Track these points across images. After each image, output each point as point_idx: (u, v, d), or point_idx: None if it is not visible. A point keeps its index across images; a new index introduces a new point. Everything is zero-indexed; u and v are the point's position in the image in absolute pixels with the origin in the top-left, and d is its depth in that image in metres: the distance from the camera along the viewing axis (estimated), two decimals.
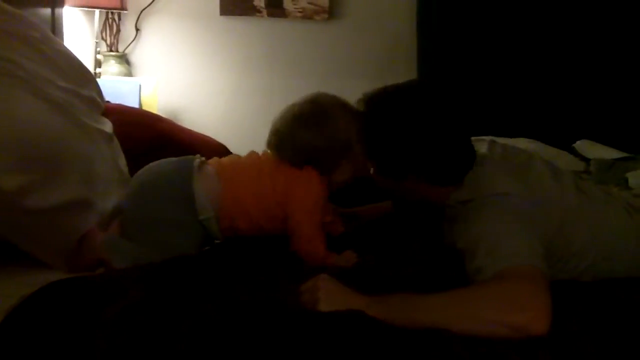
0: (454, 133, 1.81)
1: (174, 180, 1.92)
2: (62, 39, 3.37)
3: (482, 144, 1.94)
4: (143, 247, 1.84)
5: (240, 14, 3.95)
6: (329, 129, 1.88)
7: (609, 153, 3.13)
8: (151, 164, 2.01)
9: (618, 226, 1.85)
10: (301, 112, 1.91)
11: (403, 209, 2.16)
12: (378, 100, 1.85)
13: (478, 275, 1.54)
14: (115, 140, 2.26)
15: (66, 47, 2.32)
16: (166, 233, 1.86)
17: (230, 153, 2.88)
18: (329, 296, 1.46)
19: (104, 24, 3.87)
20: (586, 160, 3.14)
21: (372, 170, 1.92)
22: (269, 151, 1.97)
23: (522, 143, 3.16)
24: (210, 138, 2.98)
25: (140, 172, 2.00)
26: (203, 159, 1.99)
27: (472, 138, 1.89)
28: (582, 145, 3.27)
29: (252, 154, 2.05)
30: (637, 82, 3.45)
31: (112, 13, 3.85)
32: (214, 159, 2.02)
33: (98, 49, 3.80)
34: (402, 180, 1.83)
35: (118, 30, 3.91)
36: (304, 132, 1.88)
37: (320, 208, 1.92)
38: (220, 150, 2.87)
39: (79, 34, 3.80)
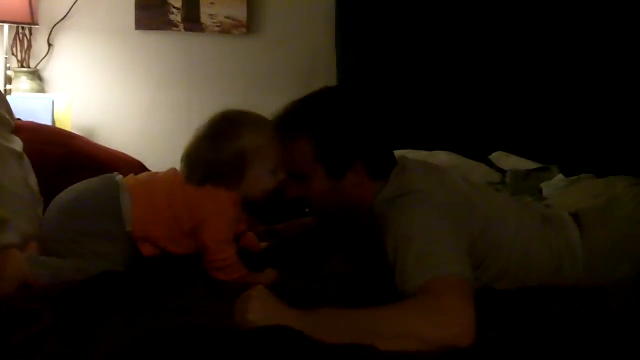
0: (386, 120, 1.96)
1: (101, 194, 1.94)
2: None
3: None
4: (71, 261, 1.84)
5: (157, 29, 3.91)
6: (223, 143, 1.89)
7: (524, 164, 3.20)
8: (73, 185, 2.02)
9: (533, 235, 1.90)
10: (201, 131, 1.94)
11: (325, 221, 2.14)
12: (312, 101, 1.92)
13: (407, 280, 1.55)
14: (26, 159, 2.20)
15: None
16: (96, 244, 1.88)
17: (147, 170, 2.84)
18: (259, 306, 1.44)
19: (14, 38, 3.76)
20: (502, 171, 3.22)
21: (307, 188, 1.89)
22: None
23: (439, 156, 3.21)
24: (127, 155, 2.94)
25: (62, 192, 2.00)
26: (121, 176, 2.00)
27: None
28: (497, 157, 3.34)
29: (170, 170, 2.04)
30: (551, 94, 3.53)
31: (22, 28, 3.74)
32: (130, 176, 2.01)
33: (8, 65, 3.69)
34: (344, 175, 1.84)
35: (29, 46, 3.81)
36: (200, 148, 1.91)
37: (228, 225, 1.93)
38: (137, 167, 2.83)
39: None
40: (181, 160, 1.95)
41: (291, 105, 1.92)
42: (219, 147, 1.89)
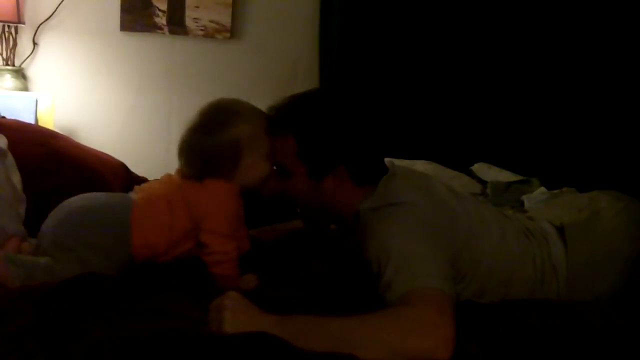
0: (377, 128, 1.93)
1: (114, 210, 1.94)
2: None
3: None
4: (45, 261, 1.82)
5: (141, 31, 3.91)
6: (218, 132, 1.91)
7: (505, 176, 3.19)
8: (87, 194, 2.02)
9: (516, 249, 1.89)
10: (194, 122, 1.96)
11: (312, 224, 2.16)
12: (304, 100, 1.93)
13: (388, 290, 1.56)
14: (10, 156, 2.21)
15: None
16: (91, 255, 1.86)
17: (129, 171, 2.86)
18: (234, 316, 1.45)
19: (0, 37, 3.77)
20: (483, 182, 3.21)
21: (288, 183, 1.91)
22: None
23: (420, 165, 3.20)
24: (109, 156, 2.94)
25: (76, 197, 1.99)
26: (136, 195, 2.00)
27: None
28: (479, 168, 3.34)
29: (165, 176, 2.06)
30: (534, 107, 3.55)
31: (8, 26, 3.74)
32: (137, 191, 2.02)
33: None
34: (324, 177, 1.85)
35: (14, 44, 3.80)
36: (194, 138, 1.93)
37: (229, 219, 1.94)
38: (119, 168, 2.83)
39: None
40: (178, 155, 1.96)
41: (285, 99, 1.93)
42: (214, 136, 1.91)
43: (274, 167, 1.95)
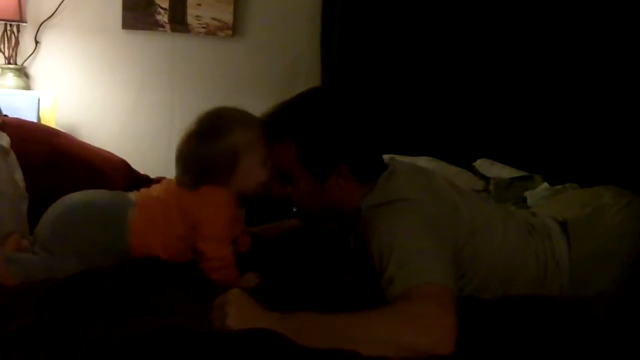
0: (374, 124, 1.92)
1: (114, 208, 1.96)
2: None
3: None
4: (42, 260, 1.84)
5: (143, 29, 3.91)
6: (215, 139, 1.90)
7: (508, 172, 3.19)
8: (90, 190, 2.05)
9: (519, 244, 1.89)
10: (192, 129, 1.95)
11: (310, 224, 2.15)
12: (298, 103, 1.92)
13: (390, 286, 1.55)
14: (12, 155, 2.21)
15: None
16: (91, 250, 1.88)
17: (131, 169, 2.86)
18: (238, 312, 1.45)
19: (2, 35, 3.76)
20: (486, 179, 3.20)
21: (289, 187, 1.90)
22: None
23: (422, 162, 3.19)
24: (111, 154, 2.93)
25: (76, 193, 2.01)
26: (133, 194, 2.02)
27: None
28: (481, 164, 3.34)
29: (164, 181, 2.08)
30: (535, 101, 3.54)
31: (10, 25, 3.74)
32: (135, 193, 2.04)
33: None
34: (327, 178, 1.84)
35: (17, 43, 3.81)
36: (191, 146, 1.92)
37: (225, 225, 1.94)
38: (121, 166, 2.83)
39: None
40: (175, 162, 1.96)
41: (278, 106, 1.92)
42: (210, 144, 1.90)
43: (276, 174, 1.93)
